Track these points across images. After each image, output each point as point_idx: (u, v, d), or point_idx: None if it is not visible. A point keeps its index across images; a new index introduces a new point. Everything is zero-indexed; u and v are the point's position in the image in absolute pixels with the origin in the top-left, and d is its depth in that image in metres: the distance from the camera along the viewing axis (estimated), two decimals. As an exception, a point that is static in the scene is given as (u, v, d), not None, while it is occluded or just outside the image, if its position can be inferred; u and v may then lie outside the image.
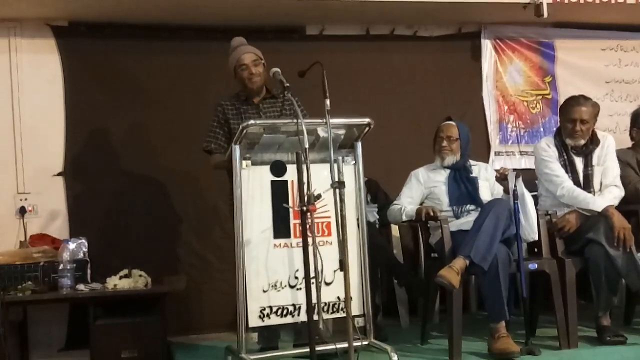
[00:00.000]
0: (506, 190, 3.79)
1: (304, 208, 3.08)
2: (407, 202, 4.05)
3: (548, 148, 4.07)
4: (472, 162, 4.16)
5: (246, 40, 4.03)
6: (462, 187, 4.00)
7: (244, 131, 3.32)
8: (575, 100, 4.05)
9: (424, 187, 4.08)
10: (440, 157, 4.06)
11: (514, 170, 3.77)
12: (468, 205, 3.93)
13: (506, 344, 3.51)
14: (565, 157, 4.05)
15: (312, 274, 3.12)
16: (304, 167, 3.11)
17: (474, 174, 4.07)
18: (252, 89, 3.92)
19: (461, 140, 4.04)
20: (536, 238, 3.79)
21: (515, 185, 3.67)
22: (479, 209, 3.84)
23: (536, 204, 4.11)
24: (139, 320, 4.01)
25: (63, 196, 4.70)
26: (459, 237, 3.73)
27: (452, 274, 3.51)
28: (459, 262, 3.55)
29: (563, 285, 3.76)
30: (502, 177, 3.78)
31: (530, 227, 3.73)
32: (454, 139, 4.03)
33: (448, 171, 4.06)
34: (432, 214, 3.83)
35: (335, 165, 3.16)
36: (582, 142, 4.03)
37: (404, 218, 4.00)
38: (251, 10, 4.65)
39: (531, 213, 3.74)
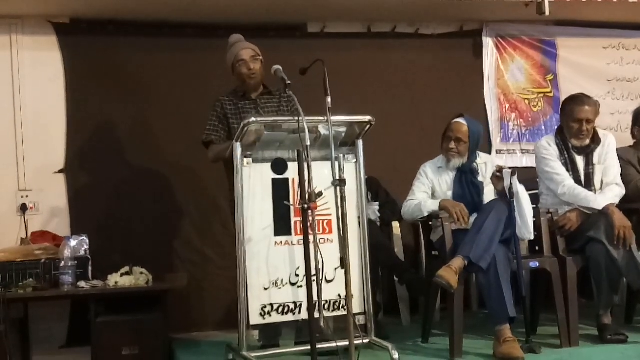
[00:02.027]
0: (497, 193, 3.75)
1: (305, 206, 3.08)
2: (423, 197, 3.97)
3: (549, 146, 4.07)
4: (480, 158, 4.05)
5: (247, 37, 4.04)
6: (467, 195, 3.92)
7: (245, 129, 3.32)
8: (579, 100, 4.03)
9: (431, 183, 4.04)
10: (447, 158, 3.98)
11: (510, 168, 3.75)
12: (472, 215, 3.86)
13: (510, 349, 3.46)
14: (566, 155, 4.05)
15: (313, 272, 3.12)
16: (305, 164, 3.11)
17: (481, 176, 3.98)
18: (250, 84, 3.93)
19: (470, 142, 3.92)
20: (531, 237, 3.76)
21: (510, 183, 3.64)
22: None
23: (537, 202, 4.11)
24: (140, 317, 4.01)
25: (64, 193, 4.70)
26: (459, 235, 3.72)
27: (450, 274, 3.50)
28: (458, 262, 3.54)
29: (564, 283, 3.76)
30: (497, 171, 3.73)
31: (525, 226, 3.67)
32: (462, 142, 3.92)
33: (454, 172, 4.00)
34: (461, 218, 3.71)
35: (337, 163, 3.16)
36: (588, 141, 4.02)
37: (425, 213, 3.88)
38: (253, 8, 4.65)
39: (526, 212, 3.67)
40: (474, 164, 4.01)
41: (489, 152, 5.34)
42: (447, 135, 3.99)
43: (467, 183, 3.96)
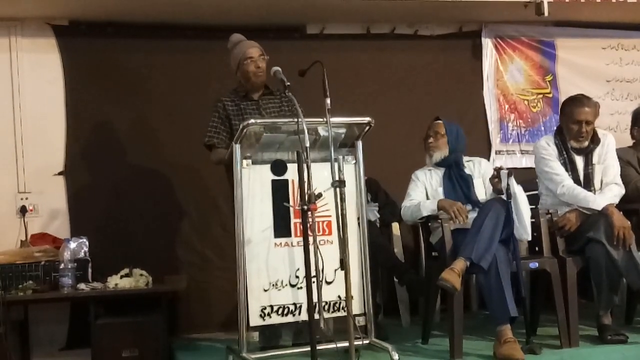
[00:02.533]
0: (496, 191, 3.77)
1: (305, 207, 3.08)
2: (421, 198, 4.03)
3: (548, 147, 4.07)
4: (466, 158, 4.15)
5: (247, 38, 4.03)
6: (457, 187, 4.00)
7: (245, 130, 3.32)
8: (579, 102, 4.02)
9: (423, 184, 4.09)
10: (429, 154, 4.09)
11: (507, 169, 3.75)
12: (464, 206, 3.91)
13: (511, 350, 3.45)
14: (566, 155, 4.04)
15: (312, 273, 3.12)
16: (305, 166, 3.11)
17: (468, 171, 4.07)
18: (255, 83, 3.91)
19: (448, 136, 4.05)
20: (529, 238, 3.76)
21: (507, 184, 3.65)
22: (475, 208, 3.84)
23: (537, 203, 4.11)
24: (140, 319, 4.01)
25: (64, 195, 4.70)
26: (458, 236, 3.72)
27: (453, 276, 3.49)
28: (460, 264, 3.54)
29: (564, 284, 3.76)
30: (494, 176, 3.74)
31: (523, 227, 3.67)
32: (440, 135, 4.06)
33: (442, 171, 4.06)
34: (459, 216, 3.73)
35: (336, 164, 3.16)
36: (587, 143, 4.02)
37: (424, 213, 3.91)
38: (252, 9, 4.65)
39: (524, 213, 3.67)
40: (460, 160, 4.08)
41: (488, 153, 5.36)
42: (427, 135, 4.14)
43: (455, 177, 4.04)
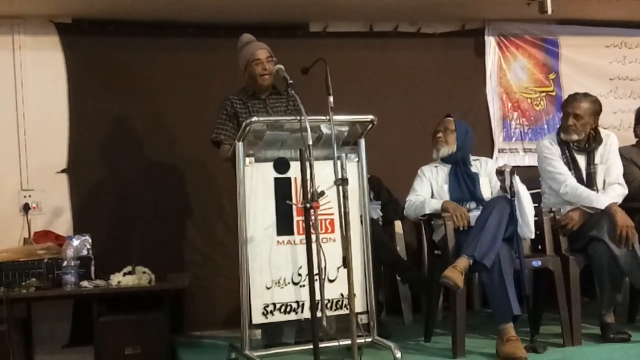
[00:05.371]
0: (503, 187, 3.77)
1: (307, 205, 3.08)
2: (426, 195, 4.03)
3: (550, 146, 4.07)
4: (473, 157, 4.15)
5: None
6: (463, 184, 4.00)
7: (247, 128, 3.32)
8: (572, 96, 4.06)
9: (429, 180, 4.09)
10: (436, 148, 4.09)
11: (510, 167, 3.75)
12: (468, 204, 3.93)
13: (514, 348, 3.45)
14: (568, 154, 4.04)
15: (315, 271, 3.12)
16: (307, 164, 3.11)
17: (474, 169, 4.07)
18: (262, 85, 3.91)
19: (458, 132, 4.05)
20: (532, 236, 3.76)
21: (511, 182, 3.65)
22: (480, 206, 3.84)
23: (540, 201, 4.11)
24: (142, 317, 4.02)
25: (67, 193, 4.71)
26: (461, 234, 3.72)
27: (456, 274, 3.49)
28: (463, 262, 3.54)
29: (567, 282, 3.76)
30: (498, 173, 3.76)
31: (526, 225, 3.67)
32: (450, 131, 4.06)
33: (448, 168, 4.07)
34: (461, 222, 3.74)
35: (339, 162, 3.16)
36: (576, 137, 4.00)
37: (427, 211, 3.92)
38: (255, 7, 4.65)
39: (527, 211, 3.67)
40: (467, 157, 4.09)
41: (491, 152, 5.36)
42: (436, 130, 4.14)
43: (461, 174, 4.04)
